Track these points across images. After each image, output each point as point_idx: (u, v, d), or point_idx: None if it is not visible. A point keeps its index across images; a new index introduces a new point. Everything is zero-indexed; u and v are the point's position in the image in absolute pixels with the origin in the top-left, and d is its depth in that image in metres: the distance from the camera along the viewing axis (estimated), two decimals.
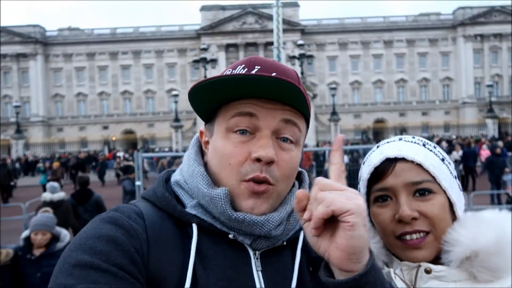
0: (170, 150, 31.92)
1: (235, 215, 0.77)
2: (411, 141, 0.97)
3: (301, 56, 26.53)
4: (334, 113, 34.08)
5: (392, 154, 0.93)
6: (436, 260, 0.90)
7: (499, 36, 54.67)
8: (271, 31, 49.25)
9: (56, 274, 0.68)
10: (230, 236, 0.79)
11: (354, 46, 56.64)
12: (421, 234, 0.89)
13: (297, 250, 0.85)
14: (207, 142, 0.87)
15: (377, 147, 1.01)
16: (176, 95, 32.60)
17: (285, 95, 0.77)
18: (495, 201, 11.25)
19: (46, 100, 54.66)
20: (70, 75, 55.98)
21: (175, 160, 12.26)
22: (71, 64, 55.91)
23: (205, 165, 0.86)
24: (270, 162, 0.77)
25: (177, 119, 31.76)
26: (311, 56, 28.87)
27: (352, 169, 9.35)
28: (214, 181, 0.81)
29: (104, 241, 0.70)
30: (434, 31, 56.05)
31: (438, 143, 23.89)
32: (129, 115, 56.30)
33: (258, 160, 0.76)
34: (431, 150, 0.95)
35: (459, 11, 55.48)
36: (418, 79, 56.61)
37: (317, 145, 27.06)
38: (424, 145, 0.96)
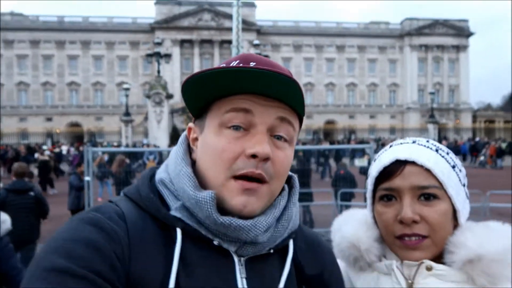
0: (119, 145, 30.79)
1: (221, 219, 0.73)
2: (424, 145, 0.97)
3: None
4: None
5: (403, 156, 0.93)
6: (437, 259, 0.92)
7: (441, 47, 58.32)
8: (227, 29, 49.24)
9: (28, 279, 0.62)
10: (215, 242, 0.75)
11: (308, 49, 57.88)
12: (419, 237, 0.91)
13: (286, 260, 0.83)
14: (195, 139, 0.83)
15: (390, 146, 1.01)
16: (127, 89, 31.50)
17: (282, 91, 0.74)
18: None
19: None
20: (11, 62, 52.35)
21: (116, 157, 11.75)
22: (12, 51, 52.31)
23: (193, 163, 0.82)
24: (266, 159, 0.74)
25: (127, 113, 30.64)
26: (266, 56, 29.03)
27: (300, 168, 9.52)
28: (202, 182, 0.78)
29: (83, 245, 0.65)
30: (383, 39, 58.64)
31: (383, 145, 25.00)
32: (75, 107, 53.67)
33: (253, 156, 0.73)
34: (443, 156, 0.95)
35: (406, 22, 58.47)
36: (367, 83, 59.00)
37: None
38: (437, 150, 0.96)
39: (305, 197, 8.92)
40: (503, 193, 8.40)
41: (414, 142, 0.99)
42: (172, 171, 0.81)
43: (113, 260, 0.67)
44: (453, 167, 0.95)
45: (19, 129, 46.82)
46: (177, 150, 0.84)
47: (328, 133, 52.30)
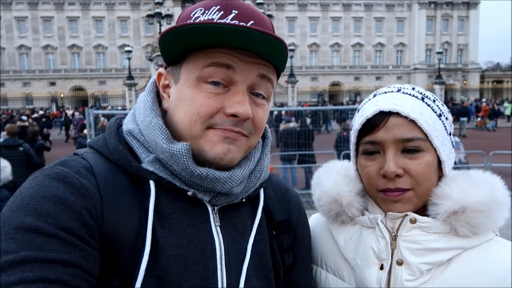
0: (124, 109, 30.76)
1: (198, 171, 0.72)
2: (410, 93, 0.91)
3: None
4: (291, 75, 34.16)
5: (386, 108, 0.88)
6: (420, 211, 0.91)
7: (451, 4, 56.34)
8: None
9: None
10: (189, 193, 0.75)
11: (313, 8, 56.19)
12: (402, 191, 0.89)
13: (258, 208, 0.84)
14: (166, 86, 0.80)
15: (374, 96, 0.96)
16: (130, 51, 31.06)
17: (266, 49, 0.71)
18: None
19: None
20: (10, 25, 51.49)
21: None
22: (11, 13, 51.29)
23: (163, 112, 0.79)
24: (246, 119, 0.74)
25: (130, 77, 30.37)
26: (270, 16, 28.42)
27: (302, 130, 9.52)
28: (174, 133, 0.75)
29: (50, 201, 0.62)
30: None
31: None
32: (78, 71, 53.24)
33: (233, 116, 0.72)
34: (429, 105, 0.90)
35: None
36: (374, 43, 57.63)
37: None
38: (423, 98, 0.91)
39: (308, 159, 8.98)
40: (504, 153, 8.48)
41: (399, 90, 0.93)
42: (141, 122, 0.78)
43: (84, 216, 0.64)
44: (439, 115, 0.91)
45: (24, 94, 46.78)
46: (145, 99, 0.80)
47: (333, 95, 51.78)
